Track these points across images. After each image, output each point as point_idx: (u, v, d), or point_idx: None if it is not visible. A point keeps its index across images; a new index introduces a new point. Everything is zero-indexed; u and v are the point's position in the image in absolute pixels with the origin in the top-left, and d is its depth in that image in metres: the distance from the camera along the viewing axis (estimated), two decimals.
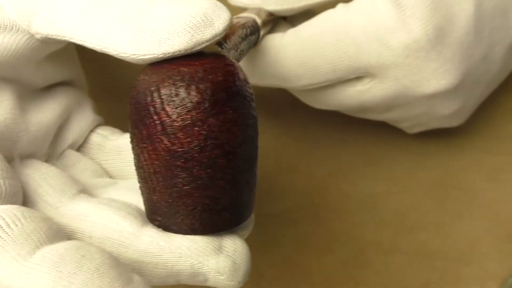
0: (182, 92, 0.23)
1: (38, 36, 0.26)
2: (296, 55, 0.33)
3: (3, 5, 0.26)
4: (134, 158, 0.25)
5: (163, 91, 0.23)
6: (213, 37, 0.24)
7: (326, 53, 0.33)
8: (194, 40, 0.23)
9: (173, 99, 0.23)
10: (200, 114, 0.23)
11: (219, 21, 0.24)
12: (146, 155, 0.24)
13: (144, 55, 0.24)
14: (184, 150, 0.23)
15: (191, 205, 0.24)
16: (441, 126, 0.38)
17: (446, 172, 0.40)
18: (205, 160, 0.23)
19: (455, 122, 0.38)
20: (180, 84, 0.23)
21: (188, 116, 0.23)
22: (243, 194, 0.25)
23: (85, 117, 0.30)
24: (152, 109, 0.23)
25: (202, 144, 0.23)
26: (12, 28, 0.26)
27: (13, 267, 0.21)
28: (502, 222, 0.37)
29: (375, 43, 0.33)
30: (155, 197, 0.24)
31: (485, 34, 0.34)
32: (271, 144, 0.40)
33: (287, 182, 0.40)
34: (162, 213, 0.24)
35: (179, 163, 0.23)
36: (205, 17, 0.23)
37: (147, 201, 0.24)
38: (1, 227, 0.21)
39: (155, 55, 0.23)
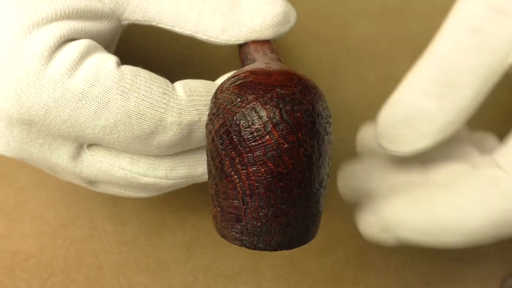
0: (286, 114, 0.23)
1: (124, 23, 0.30)
2: None
3: None
4: (215, 182, 0.24)
5: (264, 113, 0.23)
6: (289, 30, 0.30)
7: None
8: (277, 33, 0.30)
9: (277, 121, 0.23)
10: (303, 135, 0.23)
11: (293, 17, 0.30)
12: (243, 177, 0.23)
13: (235, 41, 0.30)
14: (287, 172, 0.23)
15: (285, 223, 0.24)
16: None
17: None
18: (305, 179, 0.23)
19: None
20: (282, 106, 0.23)
21: (293, 138, 0.23)
22: (321, 210, 0.25)
23: None
24: (255, 132, 0.23)
25: (304, 165, 0.23)
26: (109, 16, 0.29)
27: None
28: None
29: None
30: (244, 217, 0.24)
31: None
32: None
33: None
34: (250, 232, 0.24)
35: (281, 184, 0.23)
36: (285, 15, 0.30)
37: (230, 221, 0.24)
38: None
39: (245, 41, 0.30)
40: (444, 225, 0.28)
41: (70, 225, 0.38)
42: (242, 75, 0.24)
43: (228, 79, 0.25)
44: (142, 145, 0.28)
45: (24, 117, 0.26)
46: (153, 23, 0.30)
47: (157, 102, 0.27)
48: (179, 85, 0.29)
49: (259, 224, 0.24)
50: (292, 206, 0.24)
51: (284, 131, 0.23)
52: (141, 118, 0.27)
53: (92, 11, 0.28)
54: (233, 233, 0.24)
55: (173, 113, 0.27)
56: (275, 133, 0.23)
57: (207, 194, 0.40)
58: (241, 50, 0.30)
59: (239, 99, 0.23)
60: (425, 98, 0.28)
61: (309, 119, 0.23)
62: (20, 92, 0.25)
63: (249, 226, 0.24)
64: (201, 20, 0.30)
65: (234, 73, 0.25)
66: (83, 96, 0.26)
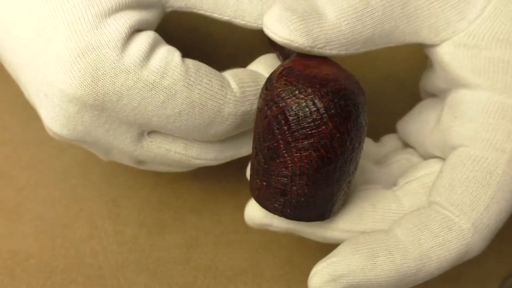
0: (340, 108, 0.25)
1: (168, 10, 0.31)
2: None
3: None
4: (265, 161, 0.27)
5: (322, 106, 0.25)
6: None
7: None
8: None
9: (333, 113, 0.25)
10: (352, 126, 0.26)
11: None
12: (296, 159, 0.26)
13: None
14: (335, 157, 0.26)
15: (323, 200, 0.27)
16: None
17: None
18: (346, 164, 0.27)
19: None
20: (337, 100, 0.25)
21: (344, 129, 0.26)
22: (350, 190, 0.30)
23: None
24: (312, 122, 0.25)
25: (349, 152, 0.26)
26: (157, 3, 0.30)
27: None
28: None
29: None
30: (290, 193, 0.27)
31: None
32: None
33: None
34: (293, 205, 0.28)
35: (328, 167, 0.26)
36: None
37: (275, 195, 0.27)
38: None
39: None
40: (407, 276, 0.28)
41: (70, 225, 0.38)
42: (296, 67, 0.27)
43: (283, 68, 0.27)
44: (200, 133, 0.30)
45: (98, 104, 0.27)
46: (194, 10, 0.31)
47: (216, 94, 0.29)
48: (230, 77, 0.30)
49: (302, 199, 0.27)
50: (331, 185, 0.27)
51: (338, 122, 0.25)
52: (203, 109, 0.29)
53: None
54: (276, 205, 0.28)
55: (230, 104, 0.29)
56: (330, 124, 0.25)
57: (207, 194, 0.40)
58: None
59: (297, 91, 0.26)
60: (330, 7, 0.28)
61: (356, 112, 0.26)
62: (97, 80, 0.27)
63: (293, 200, 0.27)
64: (240, 6, 0.31)
65: (287, 63, 0.27)
66: (154, 86, 0.27)
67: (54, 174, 0.40)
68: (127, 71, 0.27)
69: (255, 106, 0.30)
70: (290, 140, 0.26)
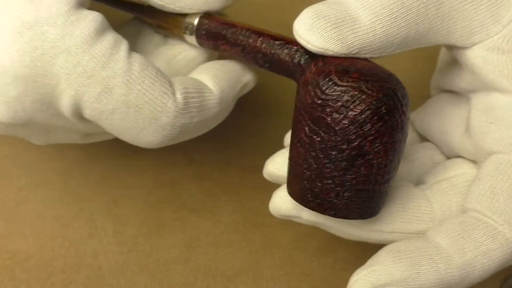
0: (405, 93, 0.27)
1: None
2: None
3: None
4: (344, 166, 0.27)
5: (399, 94, 0.26)
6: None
7: None
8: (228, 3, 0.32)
9: (406, 100, 0.27)
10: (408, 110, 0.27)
11: None
12: (381, 153, 0.26)
13: (189, 9, 0.31)
14: (404, 146, 0.27)
15: (383, 196, 0.28)
16: None
17: None
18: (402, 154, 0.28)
19: None
20: (403, 88, 0.27)
21: (407, 122, 0.27)
22: None
23: None
24: (397, 113, 0.26)
25: (405, 142, 0.27)
26: None
27: None
28: None
29: None
30: (373, 192, 0.27)
31: None
32: (271, 143, 0.40)
33: None
34: (378, 203, 0.28)
35: (399, 156, 0.27)
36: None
37: (359, 200, 0.27)
38: None
39: (198, 11, 0.31)
40: (451, 285, 0.28)
41: (70, 225, 0.38)
42: (345, 63, 0.27)
43: (335, 68, 0.26)
44: (132, 138, 0.28)
45: (38, 86, 0.26)
46: None
47: (156, 100, 0.27)
48: (177, 84, 0.29)
49: (384, 194, 0.28)
50: (391, 177, 0.28)
51: (406, 117, 0.27)
52: (138, 112, 0.27)
53: None
54: (362, 209, 0.27)
55: (169, 114, 0.28)
56: (406, 112, 0.27)
57: (207, 194, 0.40)
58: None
59: (370, 85, 0.26)
60: (364, 10, 0.27)
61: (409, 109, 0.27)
62: (36, 60, 0.26)
63: (380, 203, 0.28)
64: None
65: (329, 63, 0.27)
66: (92, 74, 0.26)
67: (54, 174, 0.39)
68: (68, 51, 0.26)
69: (195, 120, 0.29)
70: (376, 136, 0.26)
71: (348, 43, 0.27)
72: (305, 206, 0.28)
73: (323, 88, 0.26)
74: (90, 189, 0.39)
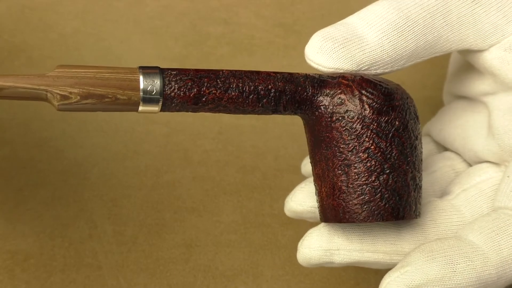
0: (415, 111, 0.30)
1: None
2: None
3: None
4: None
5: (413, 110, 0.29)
6: None
7: None
8: None
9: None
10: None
11: None
12: (394, 151, 0.28)
13: None
14: (413, 147, 0.29)
15: (411, 190, 0.29)
16: None
17: None
18: (417, 147, 0.29)
19: None
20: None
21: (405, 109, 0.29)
22: None
23: None
24: (413, 114, 0.29)
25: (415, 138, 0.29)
26: None
27: None
28: None
29: None
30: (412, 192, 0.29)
31: None
32: (271, 144, 0.40)
33: (287, 182, 0.40)
34: (417, 203, 0.29)
35: (414, 149, 0.29)
36: None
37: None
38: None
39: None
40: (488, 284, 0.27)
41: (69, 225, 0.38)
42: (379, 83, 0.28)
43: (359, 81, 0.28)
44: None
45: None
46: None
47: None
48: None
49: (404, 189, 0.28)
50: (411, 169, 0.29)
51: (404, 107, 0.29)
52: None
53: None
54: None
55: None
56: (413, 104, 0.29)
57: (206, 194, 0.40)
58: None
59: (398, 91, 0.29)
60: (370, 29, 0.28)
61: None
62: None
63: (410, 201, 0.28)
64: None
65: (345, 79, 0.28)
66: None
67: (54, 174, 0.39)
68: None
69: None
70: (411, 143, 0.29)
71: (357, 60, 0.28)
72: (344, 222, 0.28)
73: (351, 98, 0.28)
74: (89, 189, 0.39)
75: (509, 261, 0.27)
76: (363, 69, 0.28)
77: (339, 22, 0.29)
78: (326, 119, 0.28)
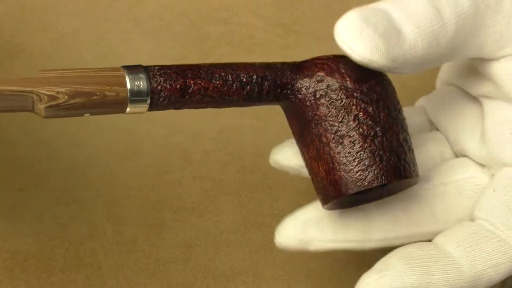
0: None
1: None
2: None
3: None
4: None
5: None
6: None
7: None
8: None
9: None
10: None
11: None
12: (386, 111, 0.29)
13: None
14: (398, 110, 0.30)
15: (403, 151, 0.29)
16: None
17: None
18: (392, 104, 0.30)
19: None
20: None
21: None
22: None
23: None
24: (389, 81, 0.30)
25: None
26: None
27: None
28: None
29: None
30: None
31: None
32: (271, 144, 0.40)
33: (287, 182, 0.40)
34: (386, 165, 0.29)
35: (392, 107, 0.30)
36: None
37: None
38: None
39: None
40: None
41: (69, 225, 0.38)
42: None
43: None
44: None
45: None
46: None
47: None
48: None
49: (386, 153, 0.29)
50: (398, 130, 0.30)
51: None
52: None
53: None
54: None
55: None
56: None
57: (206, 194, 0.40)
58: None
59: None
60: (407, 23, 0.27)
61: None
62: None
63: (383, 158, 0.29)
64: None
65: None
66: None
67: (54, 174, 0.39)
68: None
69: None
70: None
71: (393, 57, 0.26)
72: (350, 193, 0.29)
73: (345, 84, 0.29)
74: (89, 189, 0.39)
75: (481, 276, 0.28)
76: (393, 67, 0.27)
77: (373, 5, 0.27)
78: (310, 99, 0.29)
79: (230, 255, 0.38)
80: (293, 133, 0.31)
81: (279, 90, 0.29)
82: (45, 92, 0.24)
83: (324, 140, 0.29)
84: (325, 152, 0.29)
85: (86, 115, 0.25)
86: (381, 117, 0.28)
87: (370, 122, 0.28)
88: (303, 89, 0.29)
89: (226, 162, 0.41)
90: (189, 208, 0.39)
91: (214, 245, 0.39)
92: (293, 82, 0.29)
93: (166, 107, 0.27)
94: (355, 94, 0.28)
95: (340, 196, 0.29)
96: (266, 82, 0.29)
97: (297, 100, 0.29)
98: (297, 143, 0.30)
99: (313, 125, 0.29)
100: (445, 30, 0.27)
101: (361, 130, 0.28)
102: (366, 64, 0.27)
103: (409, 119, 0.31)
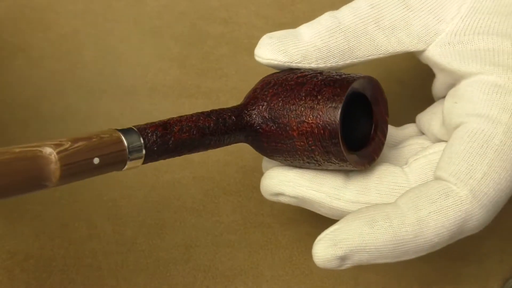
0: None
1: None
2: None
3: None
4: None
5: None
6: None
7: None
8: None
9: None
10: None
11: None
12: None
13: None
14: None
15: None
16: None
17: None
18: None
19: None
20: None
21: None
22: None
23: None
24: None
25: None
26: None
27: None
28: (503, 222, 0.37)
29: None
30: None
31: None
32: None
33: None
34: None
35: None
36: None
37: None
38: None
39: None
40: (405, 240, 0.30)
41: (69, 225, 0.38)
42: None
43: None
44: None
45: None
46: None
47: None
48: None
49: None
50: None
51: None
52: None
53: None
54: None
55: None
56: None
57: (206, 194, 0.40)
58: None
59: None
60: (306, 27, 0.33)
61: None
62: None
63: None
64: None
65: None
66: None
67: None
68: None
69: None
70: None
71: (290, 53, 0.32)
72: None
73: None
74: (89, 190, 0.39)
75: (426, 220, 0.29)
76: (295, 61, 0.32)
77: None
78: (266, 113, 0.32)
79: (230, 255, 0.38)
80: (268, 149, 0.33)
81: (239, 127, 0.32)
82: (50, 142, 0.26)
83: (300, 113, 0.31)
84: (305, 119, 0.31)
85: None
86: (315, 79, 0.32)
87: (314, 80, 0.32)
88: (257, 117, 0.32)
89: (226, 162, 0.41)
90: (189, 208, 0.39)
91: (214, 245, 0.39)
92: (246, 118, 0.32)
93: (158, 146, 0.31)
94: (289, 78, 0.32)
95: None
96: (227, 118, 0.32)
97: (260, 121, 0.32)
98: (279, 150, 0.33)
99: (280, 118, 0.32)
100: (343, 30, 0.32)
101: (310, 89, 0.31)
102: (270, 64, 0.32)
103: (401, 131, 0.37)
